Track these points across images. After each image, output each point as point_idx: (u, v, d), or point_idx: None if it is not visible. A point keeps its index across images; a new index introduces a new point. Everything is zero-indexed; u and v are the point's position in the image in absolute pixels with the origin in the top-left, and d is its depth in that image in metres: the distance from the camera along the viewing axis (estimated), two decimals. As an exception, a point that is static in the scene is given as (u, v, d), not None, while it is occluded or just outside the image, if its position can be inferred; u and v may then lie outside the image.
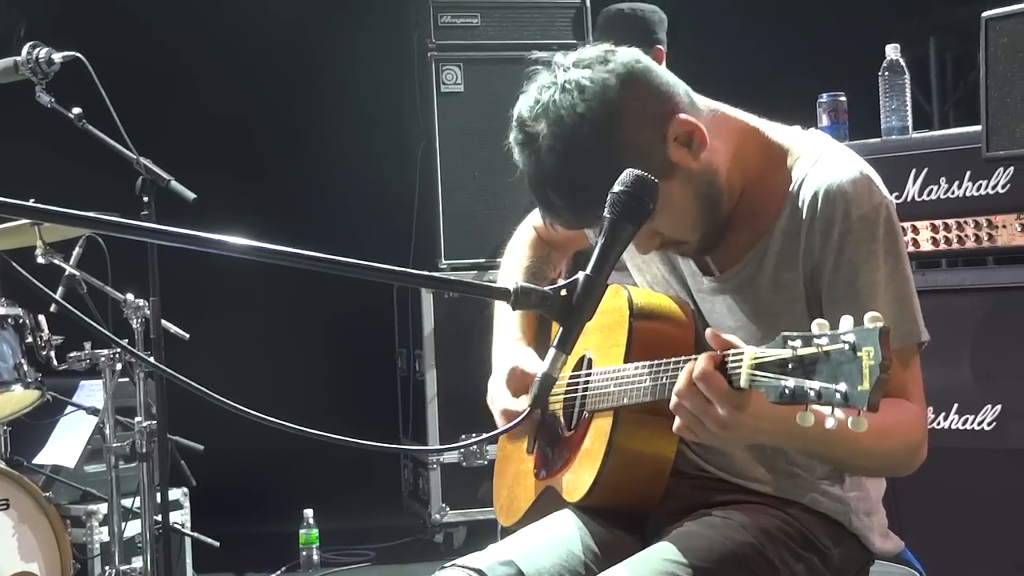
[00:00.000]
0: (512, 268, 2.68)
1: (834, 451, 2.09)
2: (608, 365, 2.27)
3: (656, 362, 2.07)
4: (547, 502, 2.40)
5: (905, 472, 2.19)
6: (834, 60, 5.59)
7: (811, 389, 1.67)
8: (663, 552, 2.12)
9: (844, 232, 2.10)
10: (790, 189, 2.15)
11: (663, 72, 2.14)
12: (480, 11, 5.94)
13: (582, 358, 2.38)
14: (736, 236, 2.21)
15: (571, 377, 2.38)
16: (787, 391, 1.70)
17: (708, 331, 1.91)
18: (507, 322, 2.57)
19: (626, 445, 2.19)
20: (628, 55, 2.11)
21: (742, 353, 1.81)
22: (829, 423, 1.65)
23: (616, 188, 1.85)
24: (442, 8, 5.90)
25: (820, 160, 2.16)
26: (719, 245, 2.22)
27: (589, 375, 2.32)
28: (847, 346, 1.64)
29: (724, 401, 1.85)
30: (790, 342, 1.72)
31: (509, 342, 2.52)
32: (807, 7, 6.68)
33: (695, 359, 1.89)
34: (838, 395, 1.64)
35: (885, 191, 2.16)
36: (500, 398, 2.42)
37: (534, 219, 2.70)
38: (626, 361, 2.22)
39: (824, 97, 4.07)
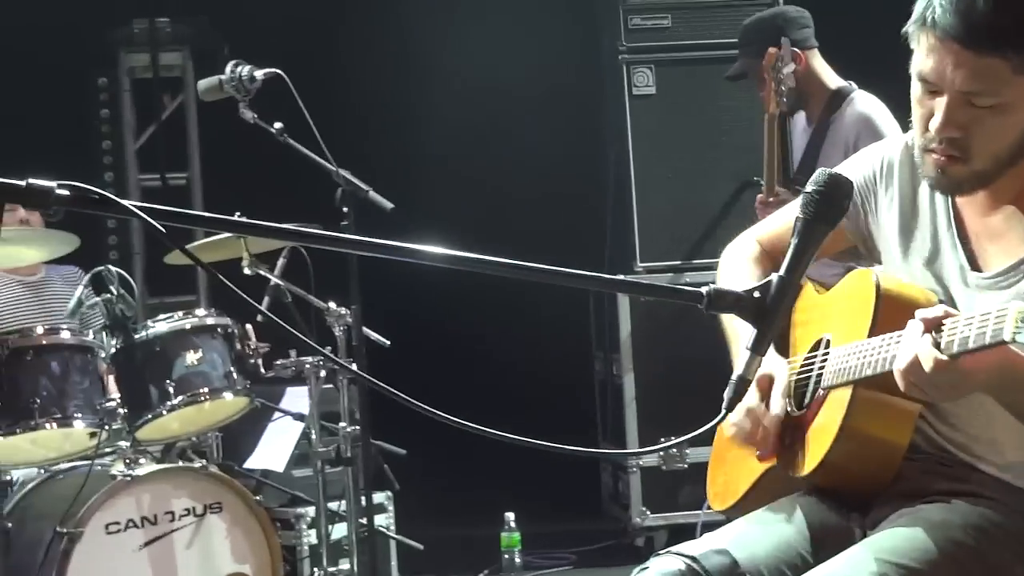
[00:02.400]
0: (735, 279, 2.55)
1: None
2: (850, 342, 2.22)
3: (898, 333, 2.03)
4: (768, 483, 2.37)
5: None
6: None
7: None
8: (877, 551, 2.08)
9: None
10: None
11: None
12: (671, 12, 5.91)
13: (819, 340, 2.34)
14: (1015, 228, 2.14)
15: (806, 359, 2.34)
16: None
17: (939, 308, 1.93)
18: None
19: (859, 428, 2.15)
20: None
21: (1004, 309, 1.80)
22: None
23: (809, 187, 1.82)
24: (632, 10, 5.88)
25: None
26: (975, 225, 2.16)
27: (827, 354, 2.28)
28: None
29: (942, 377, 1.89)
30: None
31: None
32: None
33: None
34: None
35: None
36: (746, 401, 2.35)
37: (756, 233, 2.62)
38: (870, 335, 2.17)
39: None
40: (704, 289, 1.76)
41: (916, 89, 2.12)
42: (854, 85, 4.51)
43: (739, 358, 1.77)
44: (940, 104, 2.06)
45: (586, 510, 6.57)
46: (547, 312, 6.35)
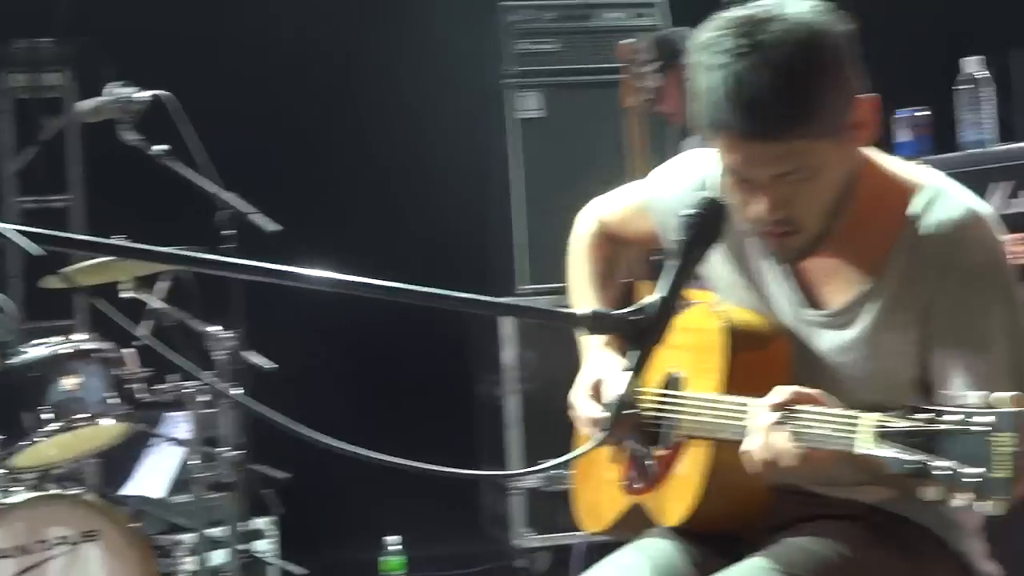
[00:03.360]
0: (581, 276, 2.65)
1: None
2: (703, 391, 2.23)
3: (758, 401, 2.03)
4: (633, 519, 2.39)
5: None
6: (902, 75, 5.54)
7: (940, 469, 1.63)
8: (756, 564, 2.12)
9: (961, 279, 2.06)
10: (907, 226, 2.11)
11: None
12: (558, 36, 5.95)
13: (672, 376, 2.35)
14: (846, 267, 2.17)
15: (661, 395, 2.34)
16: (911, 466, 1.67)
17: (791, 390, 1.94)
18: (589, 297, 2.57)
19: (725, 480, 2.16)
20: (843, 21, 2.09)
21: (856, 418, 1.80)
22: (958, 503, 1.62)
23: (689, 210, 1.86)
24: (518, 35, 5.92)
25: (938, 199, 2.11)
26: (813, 257, 2.19)
27: (682, 397, 2.28)
28: (983, 428, 1.60)
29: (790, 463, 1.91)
30: (916, 413, 1.68)
31: (596, 347, 2.47)
32: (876, 22, 6.64)
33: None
34: (973, 480, 1.60)
35: (999, 232, 2.13)
36: (583, 407, 2.41)
37: (600, 212, 2.66)
38: (724, 390, 2.18)
39: (902, 113, 4.03)
40: (588, 312, 1.79)
41: (727, 178, 2.13)
42: None
43: (621, 380, 1.80)
44: (757, 192, 2.06)
45: (468, 533, 6.56)
46: (430, 335, 6.33)
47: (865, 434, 1.78)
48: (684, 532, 2.29)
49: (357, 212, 6.83)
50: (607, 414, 1.92)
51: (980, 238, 2.09)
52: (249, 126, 6.28)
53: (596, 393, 2.38)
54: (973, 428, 1.61)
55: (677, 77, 4.60)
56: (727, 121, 2.02)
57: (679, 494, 2.25)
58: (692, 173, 2.38)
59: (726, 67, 2.00)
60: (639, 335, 1.78)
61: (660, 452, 2.33)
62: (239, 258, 1.69)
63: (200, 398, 4.27)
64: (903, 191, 2.14)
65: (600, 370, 2.41)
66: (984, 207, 2.14)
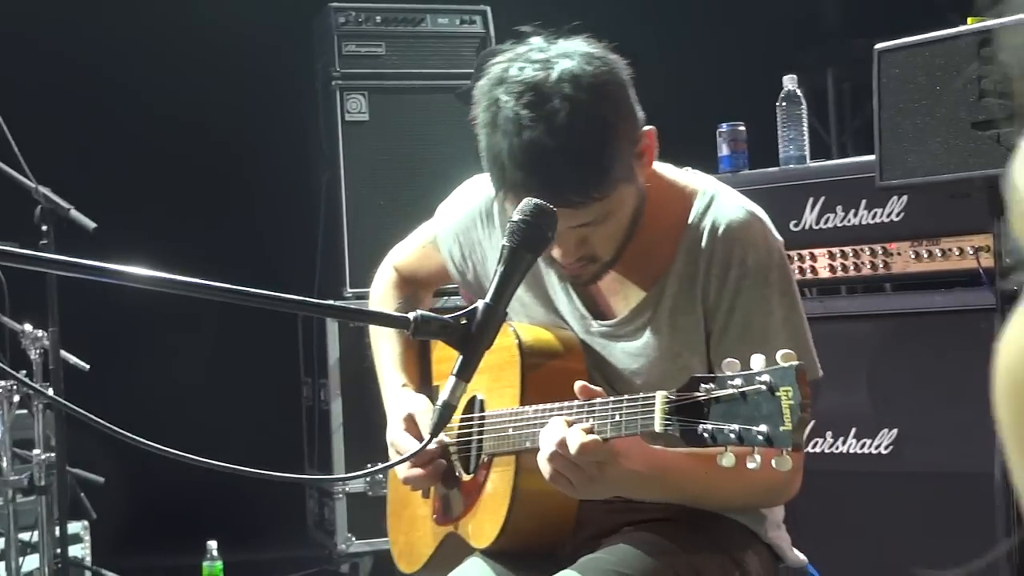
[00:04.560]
0: (383, 309, 2.65)
1: (708, 495, 2.15)
2: (503, 407, 2.25)
3: (554, 406, 2.06)
4: (450, 549, 2.39)
5: (770, 506, 2.27)
6: (731, 90, 5.67)
7: (731, 432, 1.69)
8: (590, 569, 2.12)
9: (740, 276, 2.14)
10: (687, 231, 2.18)
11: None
12: (384, 40, 5.94)
13: (472, 399, 2.36)
14: (632, 277, 2.23)
15: (463, 420, 2.35)
16: (705, 434, 1.72)
17: (578, 385, 1.95)
18: (390, 365, 2.55)
19: (531, 489, 2.17)
20: (616, 57, 2.12)
21: (650, 398, 1.83)
22: (751, 464, 1.67)
23: (516, 217, 1.86)
24: (346, 36, 5.89)
25: (714, 203, 2.19)
26: (606, 278, 2.24)
27: (483, 418, 2.30)
28: (764, 387, 1.66)
29: (589, 457, 1.92)
30: (703, 384, 1.73)
31: (397, 388, 2.50)
32: (704, 37, 6.78)
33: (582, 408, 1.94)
34: (760, 437, 1.65)
35: (775, 232, 2.21)
36: (401, 444, 2.39)
37: (393, 259, 2.68)
38: (522, 403, 2.20)
39: (724, 127, 4.13)
40: (411, 315, 1.78)
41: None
42: None
43: (446, 384, 1.79)
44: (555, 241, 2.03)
45: (291, 538, 6.50)
46: (255, 337, 6.27)
47: (658, 411, 1.82)
48: (498, 554, 2.30)
49: (184, 213, 6.71)
50: (427, 428, 1.93)
51: (755, 237, 2.17)
52: (67, 120, 6.13)
53: (411, 427, 2.38)
54: (755, 389, 1.67)
55: None
56: (520, 187, 2.05)
57: (490, 513, 2.26)
58: (474, 197, 2.43)
59: (513, 136, 2.03)
60: (464, 340, 1.78)
61: (469, 476, 2.34)
62: (56, 255, 1.65)
63: (12, 398, 4.14)
64: (681, 197, 2.22)
65: (408, 406, 2.42)
66: (758, 209, 2.22)
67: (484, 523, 2.27)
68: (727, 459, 1.70)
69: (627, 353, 2.24)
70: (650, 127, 2.14)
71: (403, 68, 5.92)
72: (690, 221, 2.19)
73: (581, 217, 2.07)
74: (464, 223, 2.40)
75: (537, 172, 2.03)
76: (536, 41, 2.12)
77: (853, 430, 3.71)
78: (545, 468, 2.00)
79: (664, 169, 2.26)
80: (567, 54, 2.06)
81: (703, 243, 2.16)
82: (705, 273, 2.16)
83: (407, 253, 2.65)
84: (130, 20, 6.39)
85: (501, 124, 2.05)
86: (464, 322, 1.78)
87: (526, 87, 2.04)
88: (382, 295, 2.67)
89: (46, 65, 6.19)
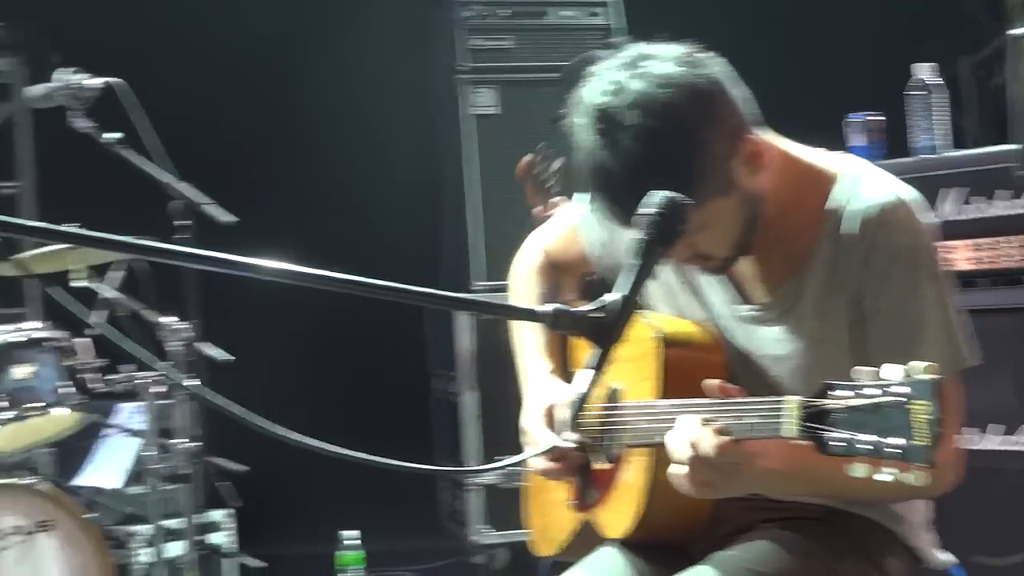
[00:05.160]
0: (525, 296, 2.64)
1: (850, 492, 2.10)
2: (640, 399, 2.24)
3: (688, 402, 2.04)
4: (585, 536, 2.39)
5: (923, 498, 2.22)
6: (857, 80, 5.58)
7: (864, 443, 1.65)
8: (701, 573, 2.11)
9: (888, 260, 2.09)
10: (829, 215, 2.14)
11: (739, 87, 2.11)
12: (512, 33, 5.95)
13: (612, 390, 2.35)
14: (774, 263, 2.20)
15: (603, 409, 2.35)
16: (838, 443, 1.68)
17: (713, 383, 1.93)
18: (534, 352, 2.54)
19: (667, 482, 2.12)
20: (714, 62, 2.09)
21: (780, 402, 1.80)
22: (883, 477, 1.64)
23: (649, 209, 1.85)
24: (472, 31, 5.91)
25: (860, 185, 2.15)
26: (747, 263, 2.21)
27: (622, 408, 2.29)
28: (902, 398, 1.62)
29: (721, 458, 1.90)
30: (836, 391, 1.70)
31: (539, 375, 2.49)
32: (828, 28, 6.67)
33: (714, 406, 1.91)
34: (895, 451, 1.62)
35: (926, 215, 2.15)
36: (535, 435, 2.40)
37: (540, 242, 2.67)
38: (660, 396, 2.20)
39: (855, 117, 4.05)
40: (547, 309, 1.78)
41: None
42: None
43: (581, 377, 1.79)
44: None
45: (425, 528, 6.56)
46: (385, 328, 6.32)
47: (790, 418, 1.78)
48: (632, 545, 2.29)
49: (311, 207, 6.81)
50: (565, 421, 1.93)
51: (903, 220, 2.12)
52: (203, 117, 6.24)
53: (549, 419, 2.38)
54: (891, 400, 1.63)
55: None
56: (606, 207, 2.07)
57: (624, 505, 2.25)
58: None
59: (587, 157, 2.05)
60: (600, 333, 1.77)
61: (606, 466, 2.33)
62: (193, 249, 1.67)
63: (155, 389, 4.24)
64: (823, 180, 2.17)
65: (550, 396, 2.41)
66: (908, 190, 2.17)
67: (618, 514, 2.27)
68: (859, 470, 1.67)
69: (772, 339, 2.21)
70: (754, 137, 2.10)
71: (530, 61, 5.93)
72: (832, 204, 2.14)
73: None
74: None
75: (607, 198, 2.06)
76: (623, 55, 2.09)
77: (998, 426, 3.62)
78: (676, 468, 1.97)
79: (803, 151, 2.22)
80: (645, 74, 2.03)
81: (848, 226, 2.12)
82: (851, 257, 2.11)
83: (552, 237, 2.64)
84: (270, 12, 6.49)
85: (578, 144, 2.07)
86: (598, 315, 1.78)
87: (597, 112, 2.04)
88: (526, 279, 2.66)
89: (181, 59, 6.32)
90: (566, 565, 2.41)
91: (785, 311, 2.19)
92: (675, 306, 2.36)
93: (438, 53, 6.07)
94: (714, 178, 2.03)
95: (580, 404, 1.78)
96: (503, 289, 5.77)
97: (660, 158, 1.99)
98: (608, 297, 1.79)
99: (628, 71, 2.04)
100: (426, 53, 6.24)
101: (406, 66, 6.36)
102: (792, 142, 2.23)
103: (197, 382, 4.11)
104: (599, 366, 1.77)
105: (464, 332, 5.81)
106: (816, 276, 2.15)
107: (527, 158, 4.54)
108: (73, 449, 4.84)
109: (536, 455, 2.30)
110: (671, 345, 2.24)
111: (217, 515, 5.02)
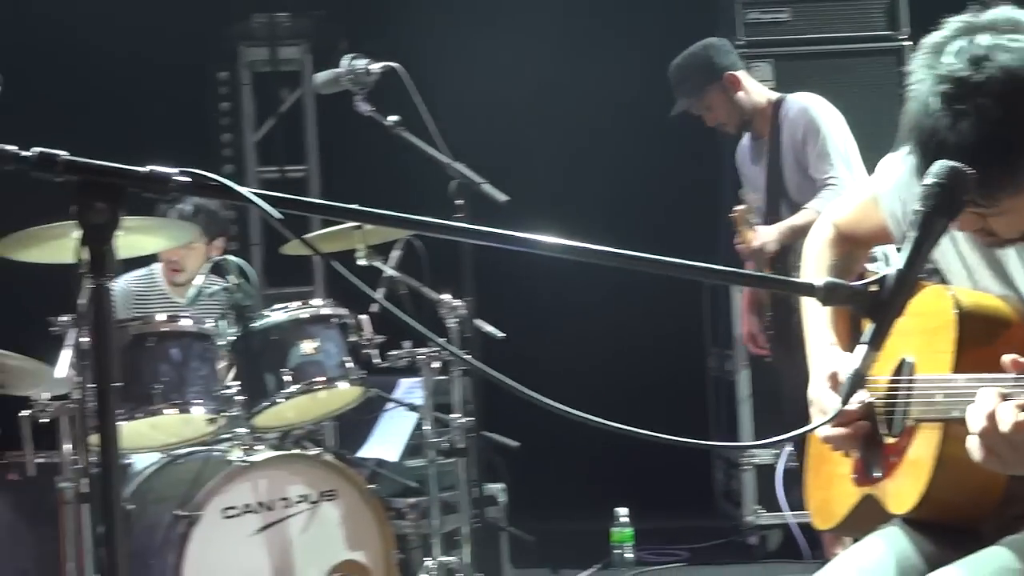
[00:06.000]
0: (815, 268, 2.59)
1: None
2: (934, 372, 2.16)
3: (987, 376, 1.96)
4: (866, 511, 2.33)
5: None
6: None
7: None
8: (997, 557, 2.04)
9: None
10: None
11: None
12: (790, 5, 5.85)
13: (902, 362, 2.28)
14: None
15: (892, 381, 2.28)
16: None
17: (1009, 358, 1.84)
18: (819, 325, 2.48)
19: (957, 458, 2.05)
20: None
21: None
22: None
23: (929, 180, 1.79)
24: (749, 4, 5.83)
25: None
26: None
27: (913, 381, 2.21)
28: None
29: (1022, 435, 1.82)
30: None
31: (825, 346, 2.44)
32: None
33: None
34: None
35: None
36: (822, 401, 2.35)
37: (833, 216, 2.62)
38: (955, 370, 2.11)
39: None
40: (819, 282, 1.74)
41: None
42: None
43: (855, 353, 1.75)
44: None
45: (698, 507, 6.53)
46: (661, 306, 6.32)
47: None
48: (915, 523, 2.23)
49: (587, 183, 6.85)
50: (839, 396, 1.87)
51: None
52: (477, 98, 6.35)
53: (835, 385, 2.32)
54: None
55: (718, 90, 4.87)
56: (928, 166, 1.93)
57: (911, 480, 2.18)
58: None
59: (922, 117, 1.96)
60: (876, 308, 1.72)
61: (893, 439, 2.27)
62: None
63: (433, 365, 4.34)
64: None
65: (833, 364, 2.35)
66: None
67: (904, 489, 2.20)
68: None
69: None
70: None
71: (810, 33, 5.81)
72: None
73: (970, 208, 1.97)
74: (907, 180, 2.28)
75: (932, 162, 1.93)
76: (998, 14, 1.99)
77: None
78: (974, 442, 1.90)
79: None
80: (1014, 49, 1.93)
81: None
82: None
83: (847, 211, 2.59)
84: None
85: (916, 96, 1.98)
86: (875, 289, 1.73)
87: (948, 78, 1.94)
88: (817, 252, 2.61)
89: (461, 43, 6.44)
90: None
91: None
92: (972, 279, 2.27)
93: (716, 28, 6.01)
94: None
95: (856, 380, 1.74)
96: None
97: (997, 145, 1.91)
98: (885, 271, 1.74)
99: (992, 40, 1.95)
100: (707, 28, 6.18)
101: (687, 41, 6.35)
102: None
103: (470, 357, 4.18)
104: (874, 342, 1.73)
105: (740, 309, 5.75)
106: None
107: (742, 209, 4.75)
108: (355, 422, 5.00)
109: (822, 424, 2.25)
110: (969, 319, 2.14)
111: (492, 489, 5.11)
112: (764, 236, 4.62)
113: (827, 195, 4.55)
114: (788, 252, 4.54)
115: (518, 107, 6.72)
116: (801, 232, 4.22)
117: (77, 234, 1.59)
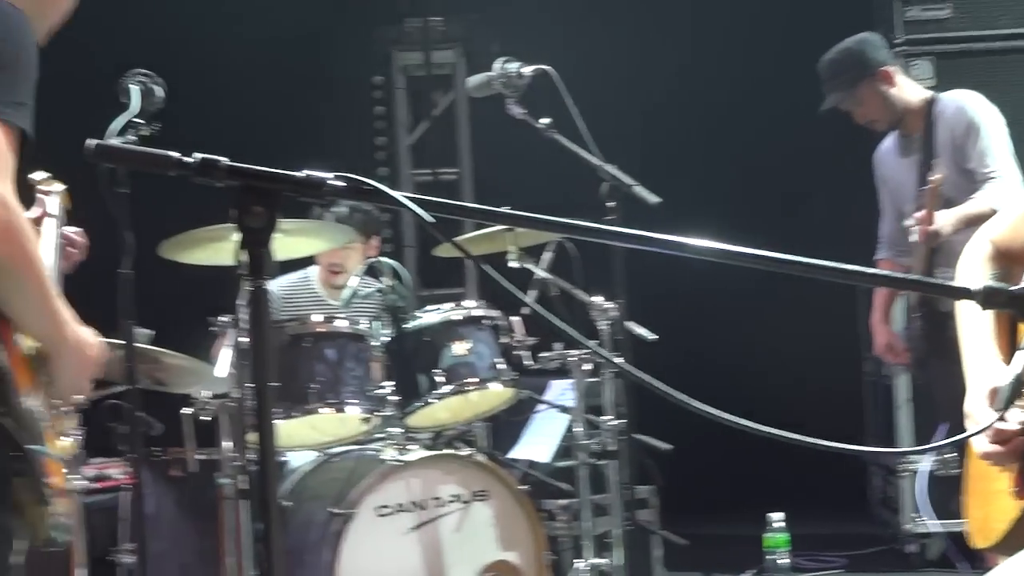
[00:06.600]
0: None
1: None
2: None
3: None
4: None
5: None
6: None
7: None
8: None
9: None
10: None
11: None
12: (950, 1, 5.72)
13: None
14: None
15: None
16: None
17: None
18: (978, 336, 2.44)
19: None
20: None
21: None
22: None
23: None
24: (908, 1, 5.72)
25: None
26: None
27: None
28: None
29: None
30: None
31: (981, 359, 2.39)
32: None
33: None
34: None
35: None
36: (977, 416, 2.30)
37: (990, 233, 2.57)
38: None
39: None
40: (977, 285, 1.70)
41: None
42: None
43: (1015, 360, 1.71)
44: None
45: (854, 514, 6.43)
46: (814, 310, 6.23)
47: None
48: None
49: (741, 186, 6.79)
50: (1002, 409, 1.82)
51: None
52: (628, 102, 6.34)
53: (992, 399, 2.27)
54: None
55: (872, 85, 4.75)
56: None
57: None
58: None
59: None
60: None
61: None
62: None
63: (584, 367, 4.33)
64: None
65: (991, 378, 2.30)
66: None
67: None
68: None
69: None
70: None
71: (971, 30, 5.68)
72: None
73: None
74: None
75: None
76: None
77: None
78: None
79: None
80: None
81: None
82: None
83: (1002, 226, 2.57)
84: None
85: None
86: (1037, 293, 1.69)
87: None
88: (973, 267, 2.59)
89: (614, 46, 6.44)
90: None
91: None
92: None
93: (875, 25, 5.90)
94: None
95: (1016, 387, 1.69)
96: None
97: None
98: (1051, 276, 1.70)
99: None
100: (865, 24, 6.08)
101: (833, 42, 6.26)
102: None
103: (621, 360, 4.17)
104: (1037, 348, 1.68)
105: (898, 315, 5.63)
106: None
107: (938, 179, 4.43)
108: (506, 423, 5.02)
109: (976, 433, 2.20)
110: None
111: (644, 492, 5.09)
112: (941, 220, 4.48)
113: (991, 187, 4.52)
114: (936, 251, 4.45)
115: (669, 108, 6.69)
116: (971, 221, 4.15)
117: (236, 237, 1.63)
